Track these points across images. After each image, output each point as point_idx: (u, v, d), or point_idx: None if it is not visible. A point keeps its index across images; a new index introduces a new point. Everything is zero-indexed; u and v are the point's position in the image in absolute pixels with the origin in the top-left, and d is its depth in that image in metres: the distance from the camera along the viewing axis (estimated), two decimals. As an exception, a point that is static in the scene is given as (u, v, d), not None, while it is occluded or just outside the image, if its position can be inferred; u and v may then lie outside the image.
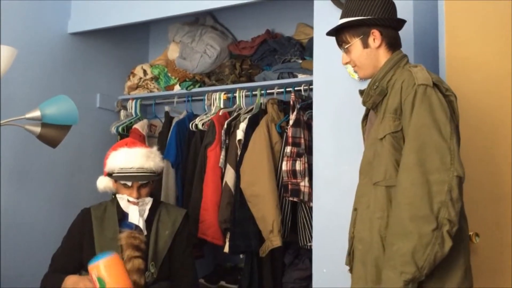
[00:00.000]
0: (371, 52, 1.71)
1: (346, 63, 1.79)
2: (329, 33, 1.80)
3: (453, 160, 1.48)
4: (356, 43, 1.72)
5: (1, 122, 2.26)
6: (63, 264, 2.18)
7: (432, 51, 2.12)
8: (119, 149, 2.23)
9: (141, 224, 2.17)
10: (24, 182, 2.64)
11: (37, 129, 2.29)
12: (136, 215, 2.17)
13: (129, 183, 2.18)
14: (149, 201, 2.22)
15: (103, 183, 2.27)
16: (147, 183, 2.22)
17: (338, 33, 1.77)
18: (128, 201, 2.18)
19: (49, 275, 2.18)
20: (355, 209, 1.73)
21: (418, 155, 1.49)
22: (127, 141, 2.33)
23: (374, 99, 1.70)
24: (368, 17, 1.70)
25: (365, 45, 1.71)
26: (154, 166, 2.23)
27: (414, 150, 1.51)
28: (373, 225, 1.59)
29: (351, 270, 1.72)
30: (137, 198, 2.18)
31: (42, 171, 2.73)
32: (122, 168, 2.18)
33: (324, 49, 2.30)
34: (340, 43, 1.77)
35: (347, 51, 1.75)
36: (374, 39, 1.71)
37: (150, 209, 2.22)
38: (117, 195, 2.23)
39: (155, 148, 2.32)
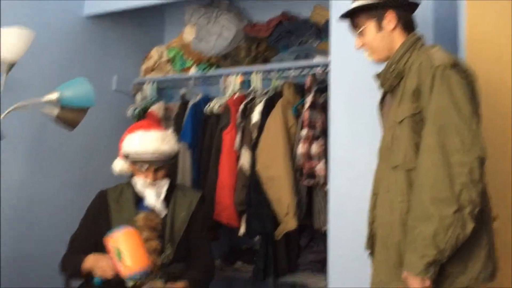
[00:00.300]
0: (386, 34, 1.69)
1: (360, 47, 1.75)
2: (343, 17, 1.77)
3: (474, 141, 1.46)
4: (370, 26, 1.69)
5: (19, 104, 2.28)
6: (81, 246, 2.21)
7: (451, 33, 2.08)
8: (135, 131, 2.24)
9: (158, 205, 2.19)
10: (42, 164, 2.68)
11: (55, 112, 2.31)
12: (152, 197, 2.19)
13: (145, 166, 2.20)
14: (165, 183, 2.24)
15: (119, 165, 2.29)
16: (163, 165, 2.24)
17: (351, 16, 1.74)
18: (144, 183, 2.20)
19: (68, 256, 2.21)
20: (374, 194, 1.72)
21: (438, 137, 1.48)
22: (143, 124, 2.34)
23: (391, 82, 1.67)
24: None
25: (380, 28, 1.69)
26: (169, 149, 2.24)
27: (434, 132, 1.49)
28: (394, 209, 1.58)
29: (371, 254, 1.72)
30: (153, 181, 2.20)
31: (59, 154, 2.77)
32: (137, 152, 2.19)
33: (341, 31, 2.26)
34: (354, 26, 1.74)
35: (360, 34, 1.72)
36: (389, 22, 1.68)
37: (167, 191, 2.24)
38: (133, 178, 2.25)
39: (170, 131, 2.33)
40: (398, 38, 1.69)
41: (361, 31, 1.71)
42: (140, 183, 2.21)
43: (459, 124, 1.48)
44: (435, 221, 1.44)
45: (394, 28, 1.68)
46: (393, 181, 1.60)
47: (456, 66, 1.55)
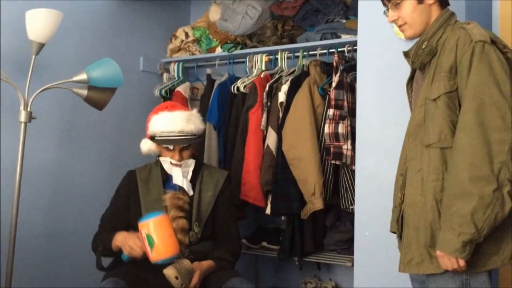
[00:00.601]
0: (425, 8, 1.63)
1: (393, 21, 1.69)
2: None
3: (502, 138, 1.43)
4: None
5: (50, 85, 2.32)
6: (112, 224, 2.25)
7: (484, 10, 2.02)
8: (160, 112, 2.26)
9: (185, 185, 2.21)
10: (72, 144, 2.72)
11: (84, 92, 2.34)
12: (179, 176, 2.21)
13: (171, 147, 2.21)
14: (191, 163, 2.26)
15: (147, 145, 2.31)
16: (189, 145, 2.25)
17: None
18: (171, 163, 2.22)
19: (99, 234, 2.26)
20: (401, 174, 1.70)
21: (477, 114, 1.45)
22: (167, 105, 2.35)
23: (422, 59, 1.64)
24: None
25: (420, 0, 1.64)
26: (195, 128, 2.25)
27: (473, 109, 1.46)
28: (427, 188, 1.56)
29: (400, 237, 1.71)
30: (179, 161, 2.22)
31: (89, 133, 2.81)
32: (163, 132, 2.21)
33: (369, 7, 2.22)
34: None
35: (396, 7, 1.65)
36: None
37: (193, 171, 2.26)
38: (160, 158, 2.27)
39: (195, 111, 2.34)
40: (435, 13, 1.64)
41: (398, 3, 1.64)
42: (167, 163, 2.23)
43: (499, 101, 1.45)
44: (474, 199, 1.42)
45: (434, 2, 1.63)
46: (426, 160, 1.57)
47: (495, 42, 1.51)
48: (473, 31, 1.53)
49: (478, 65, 1.48)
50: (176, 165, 2.22)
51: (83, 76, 2.30)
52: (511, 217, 1.48)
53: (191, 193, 2.23)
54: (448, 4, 1.68)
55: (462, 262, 1.47)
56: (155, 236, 1.99)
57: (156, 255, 1.99)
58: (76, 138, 2.74)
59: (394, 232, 1.80)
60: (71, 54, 2.69)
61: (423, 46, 1.62)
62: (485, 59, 1.48)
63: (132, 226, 2.22)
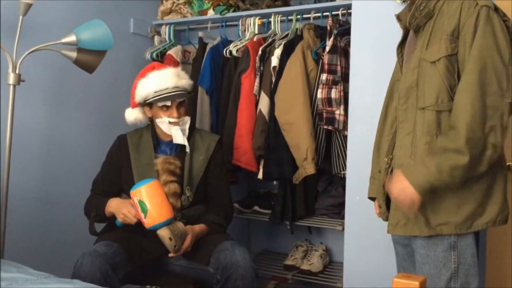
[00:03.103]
0: None
1: None
2: None
3: (509, 87, 1.46)
4: None
5: (38, 47, 2.27)
6: (104, 188, 2.26)
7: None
8: (148, 74, 2.24)
9: (186, 143, 2.21)
10: (63, 107, 2.69)
11: (73, 54, 2.30)
12: (180, 135, 2.21)
13: (168, 103, 2.20)
14: (187, 120, 2.26)
15: (133, 114, 2.29)
16: (183, 102, 2.24)
17: None
18: (170, 123, 2.21)
19: (92, 198, 2.26)
20: (387, 139, 1.71)
21: (480, 76, 1.47)
22: (154, 65, 2.33)
23: (418, 21, 1.62)
24: None
25: None
26: (186, 83, 2.27)
27: (477, 70, 1.48)
28: (417, 150, 1.57)
29: (384, 201, 1.72)
30: (178, 117, 2.21)
31: (80, 97, 2.78)
32: (157, 91, 2.19)
33: (365, -30, 2.18)
34: None
35: None
36: None
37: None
38: (157, 120, 2.24)
39: (180, 68, 2.35)
40: None
41: None
42: (165, 123, 2.21)
43: (499, 66, 1.47)
44: (462, 159, 1.46)
45: None
46: (420, 123, 1.58)
47: (497, 9, 1.53)
48: None
49: (484, 28, 1.49)
50: (175, 123, 2.20)
51: (72, 38, 2.25)
52: (495, 181, 1.55)
53: (188, 149, 2.22)
54: None
55: (417, 199, 1.50)
56: (147, 202, 2.00)
57: (150, 221, 2.01)
58: (66, 101, 2.71)
59: (372, 199, 1.82)
60: (59, 15, 2.63)
61: (421, 7, 1.61)
62: (490, 23, 1.49)
63: (124, 190, 2.22)
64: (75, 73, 2.45)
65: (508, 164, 1.91)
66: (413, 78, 1.61)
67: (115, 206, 2.13)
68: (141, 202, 2.00)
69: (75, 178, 2.70)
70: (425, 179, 1.49)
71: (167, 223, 2.02)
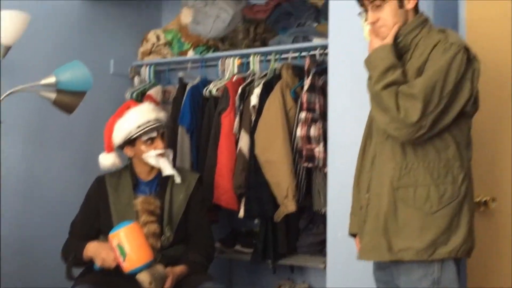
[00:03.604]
0: (403, 12, 1.67)
1: (372, 22, 1.69)
2: None
3: (424, 116, 1.52)
4: (393, 1, 1.66)
5: (17, 88, 2.26)
6: (82, 231, 2.23)
7: (452, 10, 2.07)
8: (127, 112, 2.26)
9: (175, 173, 2.22)
10: (42, 148, 2.67)
11: (52, 95, 2.29)
12: (168, 166, 2.22)
13: (154, 134, 2.20)
14: (170, 152, 2.29)
15: (110, 159, 2.28)
16: (164, 134, 2.27)
17: None
18: (157, 155, 2.21)
19: (70, 242, 2.23)
20: (368, 173, 1.73)
21: (427, 83, 1.54)
22: (129, 104, 2.37)
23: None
24: None
25: (401, 5, 1.67)
26: (164, 116, 2.32)
27: (425, 80, 1.55)
28: (386, 176, 1.61)
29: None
30: (163, 149, 2.23)
31: (58, 138, 2.76)
32: (140, 126, 2.20)
33: (340, 11, 2.25)
34: (370, 0, 1.68)
35: (377, 9, 1.67)
36: (410, 0, 1.67)
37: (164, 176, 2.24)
38: (144, 156, 2.23)
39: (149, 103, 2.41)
40: (411, 18, 1.69)
41: (379, 5, 1.66)
42: (153, 157, 2.21)
43: (436, 90, 1.53)
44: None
45: (412, 7, 1.68)
46: (388, 150, 1.63)
47: (468, 50, 1.59)
48: (451, 35, 1.61)
49: (445, 60, 1.55)
50: (162, 155, 2.21)
51: (51, 79, 2.25)
52: (462, 212, 1.57)
53: (178, 180, 2.23)
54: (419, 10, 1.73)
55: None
56: (126, 246, 1.98)
57: (129, 265, 1.98)
58: (46, 142, 2.69)
59: (353, 235, 1.83)
60: (39, 57, 2.64)
61: (398, 41, 1.67)
62: (453, 57, 1.55)
63: (103, 232, 2.19)
64: (55, 114, 2.44)
65: (484, 199, 1.95)
66: None
67: (93, 250, 2.10)
68: (120, 246, 1.98)
69: (54, 220, 2.64)
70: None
71: (147, 267, 1.99)
